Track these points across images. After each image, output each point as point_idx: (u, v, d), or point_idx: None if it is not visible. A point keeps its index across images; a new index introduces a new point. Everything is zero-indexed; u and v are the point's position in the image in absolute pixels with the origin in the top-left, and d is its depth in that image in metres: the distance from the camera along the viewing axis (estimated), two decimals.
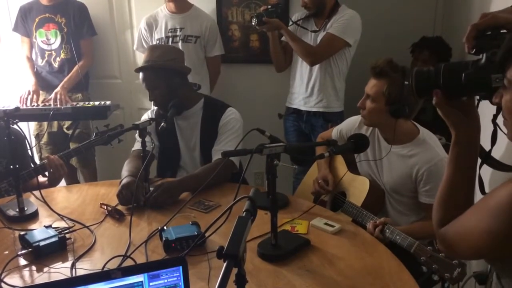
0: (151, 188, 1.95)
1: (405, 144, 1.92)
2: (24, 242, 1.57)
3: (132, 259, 1.50)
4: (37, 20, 3.09)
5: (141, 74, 2.18)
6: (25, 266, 1.51)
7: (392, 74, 1.84)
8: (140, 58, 3.34)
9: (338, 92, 2.78)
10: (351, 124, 2.14)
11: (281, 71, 3.00)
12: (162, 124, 2.03)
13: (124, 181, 1.95)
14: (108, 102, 2.88)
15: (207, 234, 1.45)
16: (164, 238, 1.57)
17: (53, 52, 3.13)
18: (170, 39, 2.97)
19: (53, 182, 2.13)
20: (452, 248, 1.02)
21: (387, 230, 1.69)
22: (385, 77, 1.85)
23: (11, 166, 1.80)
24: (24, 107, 2.90)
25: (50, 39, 3.11)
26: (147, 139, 1.96)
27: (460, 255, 1.23)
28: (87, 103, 2.92)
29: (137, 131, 1.95)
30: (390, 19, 3.12)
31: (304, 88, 2.82)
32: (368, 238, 1.67)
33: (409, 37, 2.97)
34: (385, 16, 3.11)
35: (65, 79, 3.07)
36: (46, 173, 2.10)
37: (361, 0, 2.98)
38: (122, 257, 1.51)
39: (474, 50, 0.96)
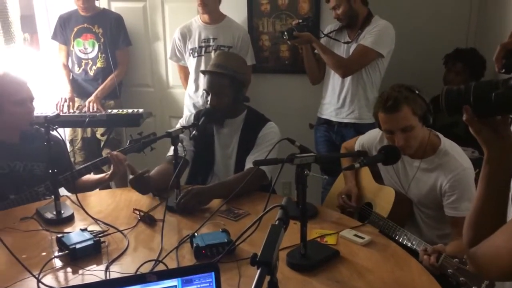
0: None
1: (428, 158, 1.89)
2: (61, 244, 1.62)
3: (164, 264, 1.53)
4: (75, 29, 3.22)
5: (210, 77, 2.22)
6: (61, 267, 1.56)
7: (405, 94, 1.80)
8: (173, 67, 3.43)
9: (370, 103, 2.76)
10: (372, 137, 2.12)
11: (316, 83, 2.99)
12: (193, 132, 2.07)
13: (129, 177, 2.01)
14: (141, 110, 2.95)
15: (238, 242, 1.46)
16: (194, 245, 1.60)
17: (89, 61, 3.24)
18: (203, 49, 3.03)
19: (113, 176, 2.21)
20: (482, 268, 0.99)
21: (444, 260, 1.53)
22: (404, 102, 1.79)
23: (50, 171, 1.88)
24: (61, 113, 3.01)
25: (87, 49, 3.23)
26: (180, 146, 2.00)
27: (489, 276, 1.20)
28: (120, 110, 3.00)
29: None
30: (423, 30, 3.09)
31: (336, 99, 2.82)
32: (399, 251, 1.65)
33: (442, 48, 2.95)
34: (418, 27, 3.09)
35: (99, 88, 3.18)
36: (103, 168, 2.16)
37: (394, 11, 2.97)
38: (154, 262, 1.54)
39: (504, 69, 0.95)
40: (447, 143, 1.90)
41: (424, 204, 1.96)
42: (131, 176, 2.00)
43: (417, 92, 1.83)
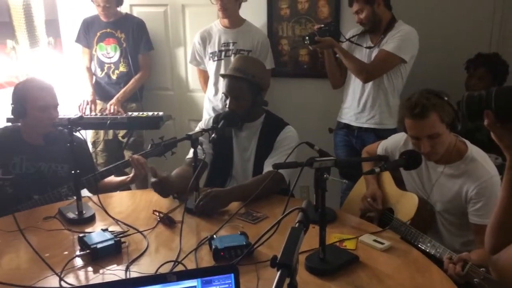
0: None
1: (454, 163, 1.86)
2: (83, 244, 1.65)
3: (183, 265, 1.54)
4: (98, 34, 3.27)
5: (230, 80, 2.24)
6: (82, 266, 1.59)
7: (433, 101, 1.76)
8: (193, 71, 3.46)
9: (392, 108, 2.73)
10: (397, 141, 2.10)
11: (337, 87, 2.97)
12: (212, 135, 2.08)
13: (151, 180, 2.03)
14: (161, 113, 2.98)
15: (257, 245, 1.47)
16: (213, 247, 1.61)
17: (112, 65, 3.29)
18: (223, 53, 3.05)
19: (134, 179, 2.24)
20: (504, 276, 0.98)
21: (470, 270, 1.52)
22: (432, 109, 1.76)
23: (72, 171, 1.91)
24: (84, 116, 3.06)
25: (109, 53, 3.28)
26: (199, 149, 2.01)
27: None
28: (141, 113, 3.04)
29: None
30: (445, 35, 3.05)
31: (356, 104, 2.80)
32: (420, 257, 1.63)
33: (464, 53, 2.90)
34: (441, 32, 3.05)
35: (120, 92, 3.23)
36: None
37: (417, 16, 2.94)
38: (173, 263, 1.56)
39: None
40: (474, 150, 1.87)
41: (447, 211, 1.93)
42: (153, 179, 2.02)
43: (446, 98, 1.80)
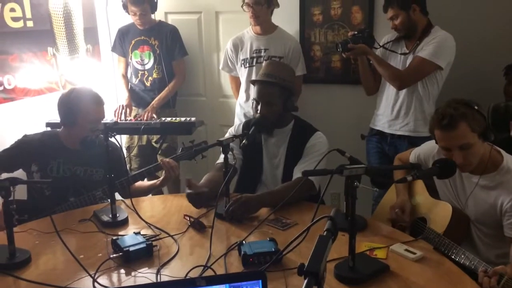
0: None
1: (489, 174, 1.80)
2: (116, 246, 1.69)
3: (213, 270, 1.55)
4: (133, 42, 3.36)
5: (260, 86, 2.25)
6: (115, 268, 1.63)
7: (462, 111, 1.71)
8: (225, 77, 3.50)
9: (427, 116, 2.65)
10: (430, 149, 2.04)
11: (371, 94, 2.94)
12: (243, 142, 2.09)
13: (187, 191, 2.05)
14: (193, 119, 3.03)
15: (285, 252, 1.47)
16: (242, 252, 1.62)
17: (145, 72, 3.37)
18: (255, 60, 3.08)
19: (164, 182, 2.29)
20: None
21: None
22: (461, 120, 1.71)
23: (107, 176, 1.97)
24: (119, 121, 3.15)
25: (144, 60, 3.36)
26: (230, 155, 2.03)
27: None
28: (174, 119, 3.09)
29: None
30: (483, 40, 2.97)
31: (389, 110, 2.76)
32: (453, 268, 1.58)
33: (503, 59, 2.82)
34: (478, 37, 2.97)
35: (156, 99, 3.29)
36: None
37: (453, 21, 2.87)
38: (203, 267, 1.57)
39: None
40: (510, 160, 1.80)
41: (482, 222, 1.87)
42: (188, 190, 2.05)
43: (476, 107, 1.75)
